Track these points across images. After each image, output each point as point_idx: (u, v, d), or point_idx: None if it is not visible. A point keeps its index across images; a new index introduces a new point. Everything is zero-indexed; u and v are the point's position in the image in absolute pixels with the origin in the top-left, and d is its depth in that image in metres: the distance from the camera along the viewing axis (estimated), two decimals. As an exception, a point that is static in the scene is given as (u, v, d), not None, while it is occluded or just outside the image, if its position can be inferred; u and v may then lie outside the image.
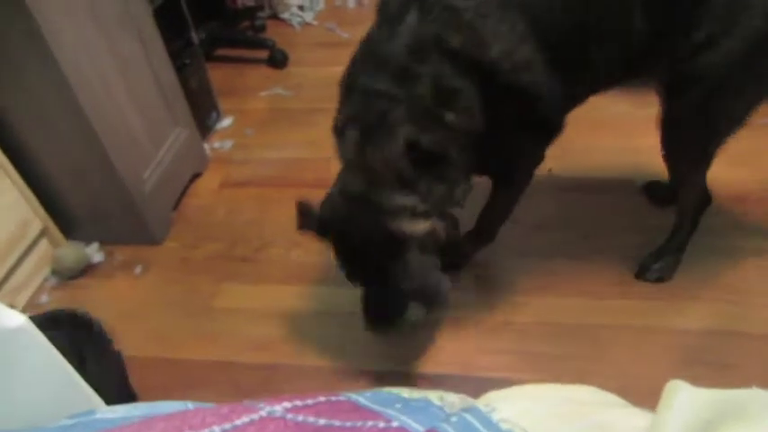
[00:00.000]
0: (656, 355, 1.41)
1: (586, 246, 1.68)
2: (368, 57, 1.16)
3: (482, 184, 1.37)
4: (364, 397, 0.50)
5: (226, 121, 2.35)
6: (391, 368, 1.46)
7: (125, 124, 1.72)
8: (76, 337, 1.29)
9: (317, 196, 1.28)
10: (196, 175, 2.09)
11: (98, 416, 0.66)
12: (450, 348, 1.49)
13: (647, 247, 1.59)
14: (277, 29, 2.95)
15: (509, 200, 1.46)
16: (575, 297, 1.56)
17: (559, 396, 0.49)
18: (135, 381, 1.41)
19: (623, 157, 1.88)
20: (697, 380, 0.51)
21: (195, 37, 2.17)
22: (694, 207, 1.52)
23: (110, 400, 0.82)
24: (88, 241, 1.86)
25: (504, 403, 0.46)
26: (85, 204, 1.79)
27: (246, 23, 2.92)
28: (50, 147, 1.65)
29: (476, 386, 0.72)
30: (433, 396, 0.52)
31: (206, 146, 2.19)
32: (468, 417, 0.44)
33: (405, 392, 0.55)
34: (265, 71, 2.66)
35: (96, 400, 0.80)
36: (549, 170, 1.89)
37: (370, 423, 0.45)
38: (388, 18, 1.13)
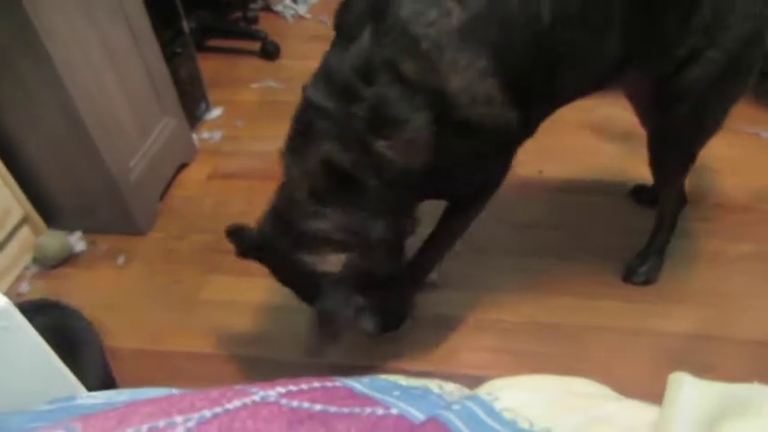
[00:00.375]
0: (639, 356, 1.42)
1: (574, 246, 1.69)
2: (321, 70, 1.12)
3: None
4: (361, 383, 0.49)
5: (215, 112, 2.33)
6: (377, 365, 1.46)
7: (112, 112, 1.69)
8: (58, 324, 1.27)
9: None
10: (183, 166, 2.07)
11: (79, 401, 0.64)
12: (437, 346, 1.49)
13: (634, 248, 1.60)
14: (269, 21, 2.93)
15: (464, 223, 1.36)
16: (562, 297, 1.56)
17: (557, 387, 0.49)
18: (117, 372, 1.39)
19: (612, 159, 1.89)
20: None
21: (186, 26, 2.14)
22: (674, 208, 1.54)
23: (91, 389, 0.81)
24: (71, 230, 1.83)
25: (505, 393, 0.45)
26: (69, 192, 1.76)
27: (238, 15, 2.90)
28: (35, 134, 1.62)
29: (462, 384, 0.72)
30: (432, 384, 0.51)
31: (194, 136, 2.17)
32: (471, 405, 0.44)
33: (402, 380, 0.54)
34: (257, 63, 2.63)
35: (78, 386, 0.78)
36: (540, 171, 1.89)
37: (368, 410, 0.44)
38: (344, 35, 1.09)
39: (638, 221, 1.70)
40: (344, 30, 1.09)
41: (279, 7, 2.99)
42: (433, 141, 1.08)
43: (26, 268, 1.75)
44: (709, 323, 1.48)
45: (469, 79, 1.03)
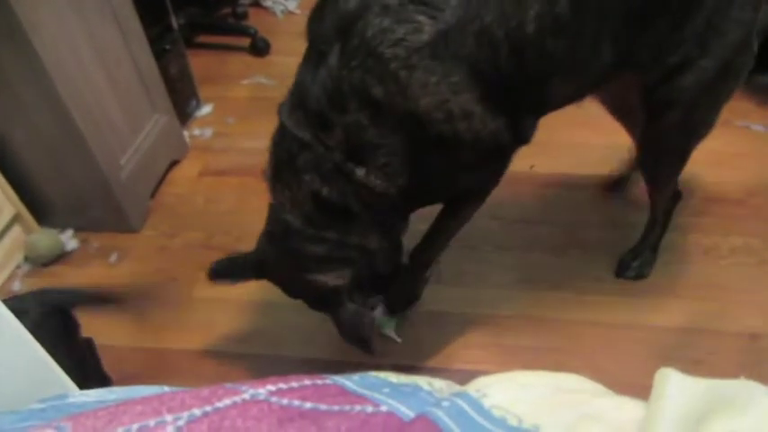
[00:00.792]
0: (630, 351, 1.43)
1: (567, 241, 1.69)
2: (295, 89, 1.09)
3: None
4: (351, 381, 0.49)
5: (206, 109, 2.32)
6: (370, 361, 1.46)
7: (102, 109, 1.68)
8: (47, 321, 1.26)
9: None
10: (174, 163, 2.06)
11: (71, 399, 0.64)
12: (429, 341, 1.49)
13: (626, 243, 1.61)
14: (259, 17, 2.91)
15: (460, 222, 1.34)
16: (554, 292, 1.57)
17: (547, 384, 0.49)
18: (110, 370, 1.38)
19: (604, 154, 1.90)
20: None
21: (175, 22, 2.13)
22: (668, 205, 1.53)
23: (82, 387, 0.80)
24: (63, 228, 1.82)
25: (494, 389, 0.45)
26: (60, 190, 1.75)
27: (228, 11, 2.88)
28: (25, 131, 1.60)
29: (454, 379, 0.72)
30: (422, 381, 0.51)
31: (185, 133, 2.16)
32: (461, 402, 0.44)
33: (392, 377, 0.54)
34: (247, 59, 2.62)
35: (69, 384, 0.78)
36: (531, 166, 1.90)
37: (357, 407, 0.44)
38: (315, 49, 1.06)
39: (629, 216, 1.71)
40: (316, 43, 1.06)
41: (268, 3, 2.98)
42: (411, 161, 1.07)
43: (18, 267, 1.74)
44: (701, 317, 1.49)
45: (442, 96, 1.00)
